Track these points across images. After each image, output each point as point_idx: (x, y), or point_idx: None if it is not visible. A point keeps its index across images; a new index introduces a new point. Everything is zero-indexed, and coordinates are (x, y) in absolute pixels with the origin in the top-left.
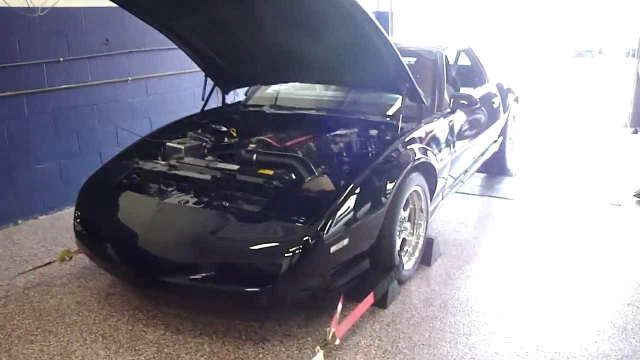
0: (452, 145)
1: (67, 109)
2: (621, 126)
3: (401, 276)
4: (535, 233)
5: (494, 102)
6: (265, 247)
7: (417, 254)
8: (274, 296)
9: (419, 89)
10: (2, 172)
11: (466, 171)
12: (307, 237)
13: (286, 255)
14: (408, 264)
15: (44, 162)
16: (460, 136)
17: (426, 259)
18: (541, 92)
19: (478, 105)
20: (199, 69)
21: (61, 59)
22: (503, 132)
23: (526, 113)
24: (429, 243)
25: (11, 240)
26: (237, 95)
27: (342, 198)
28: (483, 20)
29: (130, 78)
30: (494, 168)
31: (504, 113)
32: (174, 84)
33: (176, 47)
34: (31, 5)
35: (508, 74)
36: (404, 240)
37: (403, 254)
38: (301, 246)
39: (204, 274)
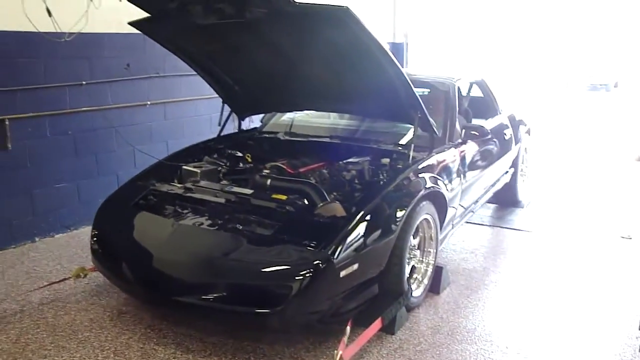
0: (462, 175)
1: (87, 130)
2: (634, 160)
3: (410, 303)
4: (545, 264)
5: (505, 134)
6: (277, 270)
7: (426, 281)
8: (284, 318)
9: (430, 119)
10: (23, 190)
11: (477, 201)
12: (317, 261)
13: (297, 278)
14: (417, 291)
15: (63, 181)
16: (471, 166)
17: (435, 286)
18: (556, 124)
19: (489, 137)
20: (216, 95)
21: (83, 82)
22: (514, 164)
23: (540, 145)
24: (438, 271)
25: (28, 257)
26: (253, 121)
27: (352, 224)
28: (498, 52)
29: (149, 102)
30: (505, 199)
31: (516, 145)
32: (191, 109)
33: (194, 73)
34: (59, 31)
35: (521, 106)
36: (413, 267)
37: (412, 281)
38: (312, 270)
39: (215, 295)
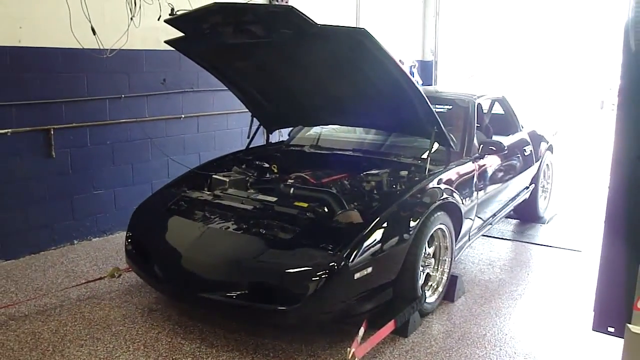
0: (479, 189)
1: (124, 141)
2: None
3: (423, 308)
4: (560, 278)
5: (525, 150)
6: (295, 271)
7: (440, 289)
8: (300, 316)
9: (448, 133)
10: (64, 195)
11: (495, 215)
12: (333, 263)
13: (313, 278)
14: (431, 297)
15: (101, 188)
16: (489, 181)
17: (450, 294)
18: (587, 143)
19: (506, 152)
20: (246, 109)
21: (122, 96)
22: (535, 180)
23: (568, 163)
24: (453, 280)
25: (67, 258)
26: (282, 135)
27: (367, 230)
28: (529, 69)
29: (183, 115)
30: (527, 214)
31: (536, 161)
32: (223, 122)
33: (225, 88)
34: (101, 47)
35: (545, 124)
36: (428, 275)
37: (427, 288)
38: (327, 271)
39: (238, 292)
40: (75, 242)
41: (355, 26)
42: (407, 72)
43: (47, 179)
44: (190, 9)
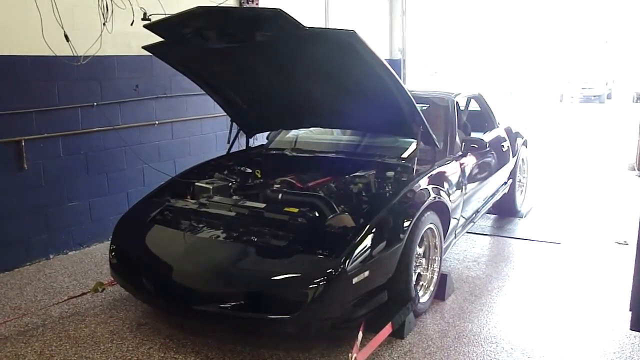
0: (463, 187)
1: (98, 150)
2: (627, 169)
3: (417, 309)
4: (545, 270)
5: (503, 146)
6: (293, 279)
7: (432, 288)
8: (300, 324)
9: (432, 133)
10: (37, 208)
11: (477, 211)
12: (331, 269)
13: (312, 286)
14: (424, 297)
15: (76, 200)
16: (471, 178)
17: (440, 293)
18: (552, 136)
19: (488, 149)
20: (221, 114)
21: (95, 104)
22: (512, 175)
23: (537, 156)
24: (443, 278)
25: (44, 274)
26: (257, 139)
27: (362, 234)
28: (493, 65)
29: (157, 122)
30: (505, 209)
31: (513, 156)
32: (197, 127)
33: (200, 93)
34: (75, 54)
35: (518, 120)
36: (419, 274)
37: (419, 288)
38: (325, 277)
39: (235, 303)
40: (51, 256)
41: (344, 29)
42: (395, 73)
43: (19, 192)
44: (164, 12)
